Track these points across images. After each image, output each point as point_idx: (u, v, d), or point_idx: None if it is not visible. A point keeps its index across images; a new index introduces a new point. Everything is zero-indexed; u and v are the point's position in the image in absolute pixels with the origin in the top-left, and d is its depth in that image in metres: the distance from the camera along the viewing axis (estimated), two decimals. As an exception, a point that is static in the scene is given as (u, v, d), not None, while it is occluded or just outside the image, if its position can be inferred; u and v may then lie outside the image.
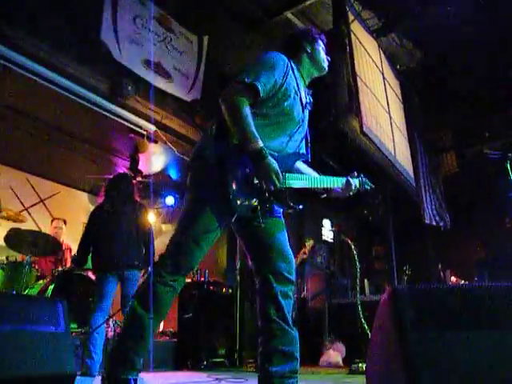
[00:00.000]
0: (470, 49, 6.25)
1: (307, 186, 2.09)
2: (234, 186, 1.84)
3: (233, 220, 1.92)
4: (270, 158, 1.85)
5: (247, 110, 1.87)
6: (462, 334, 1.14)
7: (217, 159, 1.88)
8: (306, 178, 2.10)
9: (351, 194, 2.26)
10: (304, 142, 2.20)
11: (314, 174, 2.20)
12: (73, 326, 4.16)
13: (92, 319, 3.56)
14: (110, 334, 4.19)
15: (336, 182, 2.21)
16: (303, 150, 2.19)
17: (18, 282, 4.40)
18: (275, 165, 1.86)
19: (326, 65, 2.28)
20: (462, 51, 6.32)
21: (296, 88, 2.10)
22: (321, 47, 2.26)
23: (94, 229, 3.90)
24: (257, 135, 1.85)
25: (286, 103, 2.02)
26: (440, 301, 1.19)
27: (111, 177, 4.26)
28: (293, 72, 2.10)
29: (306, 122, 2.20)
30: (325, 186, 2.18)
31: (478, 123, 7.78)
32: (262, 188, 1.89)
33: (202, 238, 1.89)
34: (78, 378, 3.17)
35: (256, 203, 1.89)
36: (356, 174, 2.29)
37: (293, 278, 1.97)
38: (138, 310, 1.85)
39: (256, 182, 1.88)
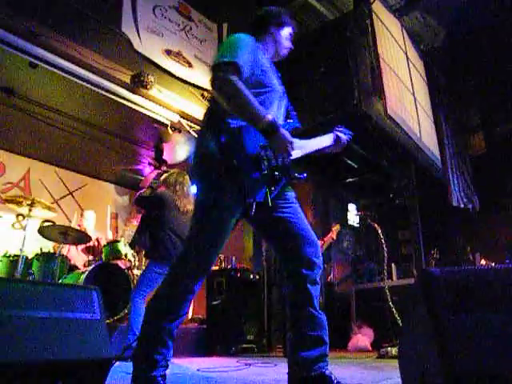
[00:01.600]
0: (497, 24, 6.04)
1: (304, 153, 2.10)
2: (245, 173, 1.79)
3: (252, 211, 1.83)
4: (282, 127, 1.83)
5: (242, 85, 1.81)
6: (497, 316, 1.12)
7: (220, 151, 1.80)
8: (301, 144, 2.10)
9: (342, 147, 2.33)
10: (289, 111, 2.20)
11: (303, 141, 2.18)
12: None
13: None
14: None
15: (325, 141, 2.26)
16: (291, 119, 2.18)
17: (52, 272, 4.54)
18: (288, 133, 1.83)
19: (284, 52, 2.25)
20: (488, 27, 6.11)
21: (267, 61, 2.10)
22: (286, 32, 2.22)
23: None
24: (263, 108, 1.82)
25: (265, 77, 2.01)
26: (474, 283, 1.17)
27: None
28: (259, 49, 2.08)
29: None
30: (318, 148, 2.21)
31: (506, 102, 7.54)
32: (272, 166, 1.85)
33: (217, 236, 1.88)
34: (122, 363, 3.29)
35: (269, 186, 1.86)
36: (340, 127, 2.35)
37: (320, 261, 1.97)
38: (155, 311, 1.86)
39: (264, 164, 1.83)
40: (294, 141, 1.91)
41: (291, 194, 2.06)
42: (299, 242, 1.95)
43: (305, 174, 1.99)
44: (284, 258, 1.99)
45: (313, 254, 1.95)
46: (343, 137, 2.32)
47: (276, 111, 2.05)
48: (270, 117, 1.78)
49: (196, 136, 5.69)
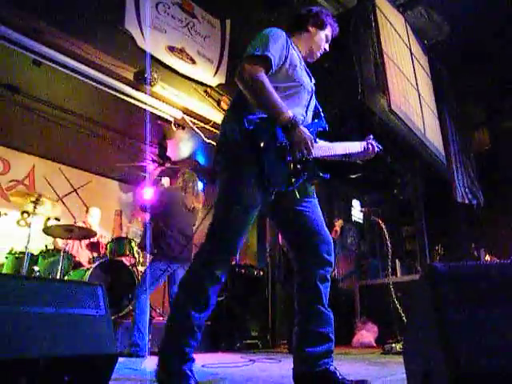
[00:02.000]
0: (503, 18, 5.99)
1: (331, 154, 2.10)
2: (270, 163, 1.81)
3: (271, 198, 1.88)
4: (301, 124, 1.84)
5: (267, 81, 1.84)
6: (504, 312, 1.11)
7: (245, 138, 1.83)
8: (328, 146, 2.11)
9: (369, 157, 2.32)
10: (317, 111, 2.19)
11: (332, 143, 2.18)
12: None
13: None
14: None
15: (355, 147, 2.25)
16: (319, 120, 2.17)
17: (57, 269, 4.57)
18: (307, 131, 1.85)
19: (318, 54, 2.24)
20: (493, 21, 6.07)
21: (299, 58, 2.10)
22: (323, 35, 2.21)
23: None
24: (284, 104, 1.83)
25: (295, 73, 2.01)
26: (479, 279, 1.16)
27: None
28: (292, 45, 2.08)
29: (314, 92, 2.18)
30: (346, 153, 2.20)
31: (511, 97, 7.50)
32: (295, 159, 1.86)
33: (242, 222, 1.85)
34: (127, 359, 3.31)
35: (291, 177, 1.87)
36: (372, 137, 2.33)
37: (332, 259, 1.98)
38: (182, 304, 1.81)
39: (289, 157, 1.85)
40: (319, 142, 1.96)
41: (312, 190, 2.07)
42: (314, 238, 1.95)
43: (328, 175, 2.00)
44: (297, 252, 1.99)
45: (326, 251, 1.96)
46: (374, 148, 2.30)
47: (304, 108, 2.06)
48: (290, 113, 1.81)
49: (201, 134, 5.74)
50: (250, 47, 1.93)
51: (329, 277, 1.96)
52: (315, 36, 2.19)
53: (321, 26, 2.20)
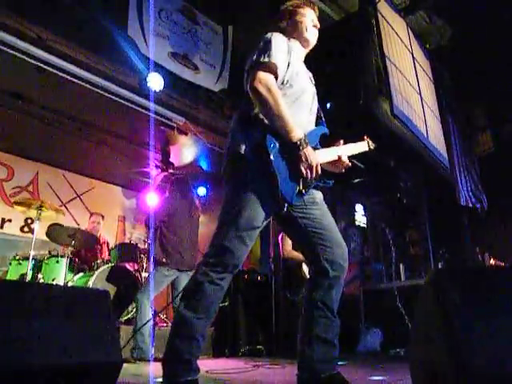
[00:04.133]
0: (504, 20, 5.99)
1: (335, 158, 2.10)
2: (281, 176, 1.79)
3: (284, 211, 1.86)
4: (309, 146, 1.85)
5: (280, 94, 1.84)
6: (510, 316, 1.10)
7: (256, 152, 1.82)
8: (331, 150, 2.11)
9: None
10: (319, 115, 2.19)
11: (336, 148, 2.17)
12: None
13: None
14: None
15: (358, 148, 2.27)
16: (321, 123, 2.18)
17: (61, 275, 4.57)
18: (315, 153, 1.86)
19: (309, 36, 2.20)
20: (495, 25, 6.06)
21: (300, 61, 2.11)
22: (302, 17, 2.19)
23: None
24: (294, 123, 1.83)
25: (298, 78, 2.01)
26: (485, 283, 1.16)
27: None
28: (292, 48, 2.07)
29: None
30: (350, 154, 2.19)
31: (513, 100, 7.48)
32: (302, 176, 1.86)
33: (247, 234, 1.84)
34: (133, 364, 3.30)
35: (301, 188, 1.88)
36: (366, 137, 2.36)
37: (346, 265, 1.97)
38: (185, 312, 1.79)
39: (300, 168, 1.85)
40: (321, 151, 2.00)
41: (320, 196, 2.06)
42: (329, 244, 1.94)
43: (332, 181, 2.01)
44: (313, 257, 1.97)
45: (341, 257, 1.95)
46: (372, 145, 2.35)
47: (308, 116, 2.06)
48: (300, 133, 1.82)
49: (204, 139, 5.76)
50: (255, 54, 1.93)
51: (342, 282, 1.95)
52: (296, 23, 2.18)
53: (292, 14, 2.20)
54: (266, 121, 1.87)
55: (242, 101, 2.00)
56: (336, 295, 1.92)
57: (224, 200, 1.93)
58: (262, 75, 1.85)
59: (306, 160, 1.82)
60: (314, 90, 2.15)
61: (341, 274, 1.94)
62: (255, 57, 1.91)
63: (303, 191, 1.88)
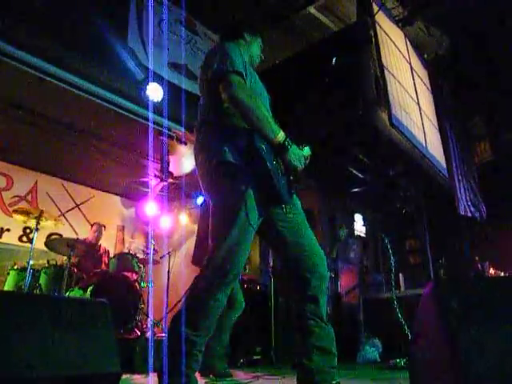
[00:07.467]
0: (503, 32, 6.05)
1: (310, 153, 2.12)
2: (276, 176, 1.82)
3: (282, 210, 1.93)
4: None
5: (259, 101, 1.87)
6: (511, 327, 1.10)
7: (247, 156, 1.83)
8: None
9: None
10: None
11: None
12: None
13: None
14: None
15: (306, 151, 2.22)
16: None
17: (60, 284, 4.55)
18: (297, 148, 1.91)
19: (258, 60, 2.33)
20: (493, 35, 6.12)
21: (253, 69, 2.16)
22: (259, 43, 2.32)
23: None
24: (275, 124, 1.87)
25: (255, 83, 2.05)
26: (486, 293, 1.15)
27: None
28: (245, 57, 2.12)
29: None
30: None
31: (511, 110, 7.52)
32: (290, 172, 1.91)
33: (245, 239, 1.83)
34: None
35: (289, 190, 1.91)
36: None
37: (327, 273, 1.97)
38: (183, 329, 1.73)
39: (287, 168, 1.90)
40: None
41: (299, 203, 2.06)
42: (308, 253, 1.93)
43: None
44: (292, 267, 1.95)
45: (321, 265, 1.94)
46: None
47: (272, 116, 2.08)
48: (283, 135, 1.86)
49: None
50: (217, 63, 1.91)
51: (325, 290, 1.94)
52: (251, 44, 2.27)
53: (255, 35, 2.31)
54: (247, 126, 1.88)
55: (205, 111, 2.11)
56: (322, 302, 1.91)
57: (216, 211, 1.90)
58: (237, 85, 1.85)
59: (295, 157, 1.88)
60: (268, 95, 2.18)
61: (323, 283, 1.92)
62: (218, 66, 1.91)
63: (292, 190, 1.93)
